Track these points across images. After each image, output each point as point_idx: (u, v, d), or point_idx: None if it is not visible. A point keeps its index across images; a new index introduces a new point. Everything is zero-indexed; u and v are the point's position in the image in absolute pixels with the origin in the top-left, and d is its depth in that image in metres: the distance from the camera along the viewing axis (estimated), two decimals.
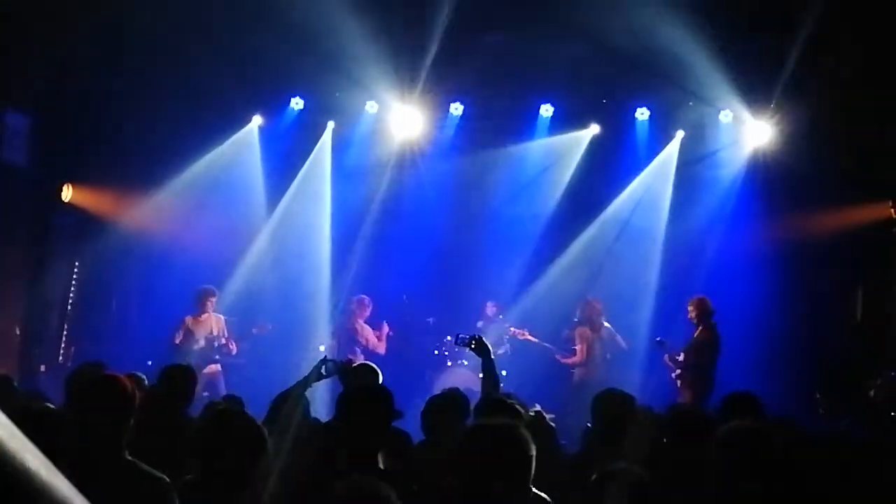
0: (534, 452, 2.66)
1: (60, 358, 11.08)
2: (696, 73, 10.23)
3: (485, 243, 11.81)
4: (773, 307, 10.64)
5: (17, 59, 9.40)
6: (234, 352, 10.59)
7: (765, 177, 11.05)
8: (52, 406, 3.71)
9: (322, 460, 3.78)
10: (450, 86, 11.37)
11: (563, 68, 10.53)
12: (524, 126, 11.77)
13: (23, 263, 10.73)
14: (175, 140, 11.09)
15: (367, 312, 10.96)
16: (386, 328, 11.04)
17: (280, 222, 11.87)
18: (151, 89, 10.50)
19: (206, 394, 8.99)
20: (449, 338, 10.41)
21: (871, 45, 9.44)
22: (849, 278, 10.88)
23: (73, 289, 11.39)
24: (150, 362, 8.58)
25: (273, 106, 11.84)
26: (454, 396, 4.72)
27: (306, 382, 5.44)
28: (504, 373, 8.52)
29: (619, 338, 10.55)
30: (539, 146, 11.89)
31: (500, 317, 11.21)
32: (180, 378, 5.32)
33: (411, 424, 4.66)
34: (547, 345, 10.81)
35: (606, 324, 10.60)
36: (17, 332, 10.59)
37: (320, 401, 7.08)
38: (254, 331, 10.92)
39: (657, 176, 11.62)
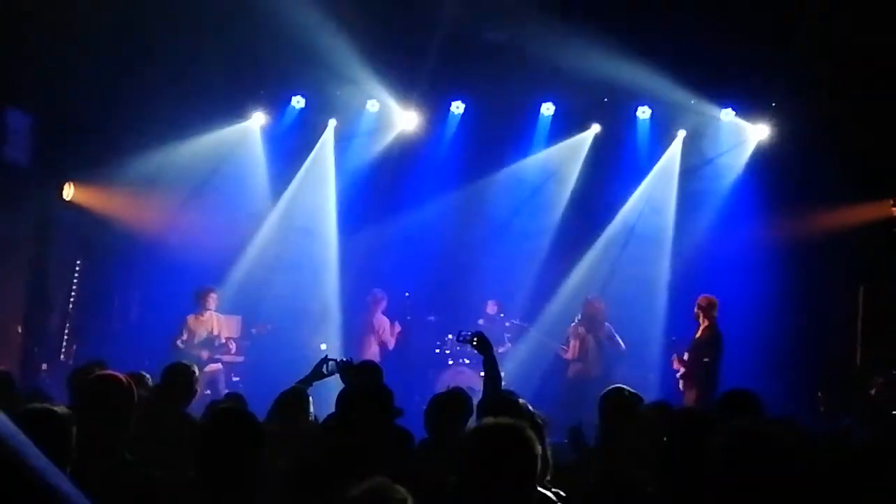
0: (539, 452, 2.69)
1: (62, 356, 11.08)
2: (698, 72, 10.23)
3: (486, 242, 11.83)
4: (773, 306, 10.64)
5: (19, 58, 9.40)
6: (234, 350, 10.63)
7: (765, 177, 11.06)
8: (53, 405, 3.71)
9: (323, 459, 3.78)
10: (451, 84, 11.37)
11: (564, 67, 10.51)
12: (525, 124, 11.77)
13: (24, 262, 10.75)
14: (177, 139, 11.10)
15: (384, 304, 11.16)
16: (397, 326, 11.18)
17: (281, 220, 11.89)
18: (153, 88, 10.51)
19: (207, 392, 9.01)
20: (450, 336, 10.41)
21: (872, 44, 9.43)
22: (850, 277, 10.86)
23: (74, 287, 11.39)
24: (149, 361, 8.57)
25: (274, 105, 11.86)
26: (458, 395, 4.71)
27: (308, 381, 5.46)
28: (503, 374, 8.51)
29: (617, 338, 10.53)
30: (542, 152, 11.91)
31: (501, 315, 11.22)
32: (181, 377, 5.32)
33: (413, 422, 4.66)
34: (547, 339, 10.83)
35: (607, 324, 10.59)
36: (19, 331, 10.60)
37: (323, 400, 7.08)
38: (253, 331, 11.00)
39: (661, 177, 11.63)
